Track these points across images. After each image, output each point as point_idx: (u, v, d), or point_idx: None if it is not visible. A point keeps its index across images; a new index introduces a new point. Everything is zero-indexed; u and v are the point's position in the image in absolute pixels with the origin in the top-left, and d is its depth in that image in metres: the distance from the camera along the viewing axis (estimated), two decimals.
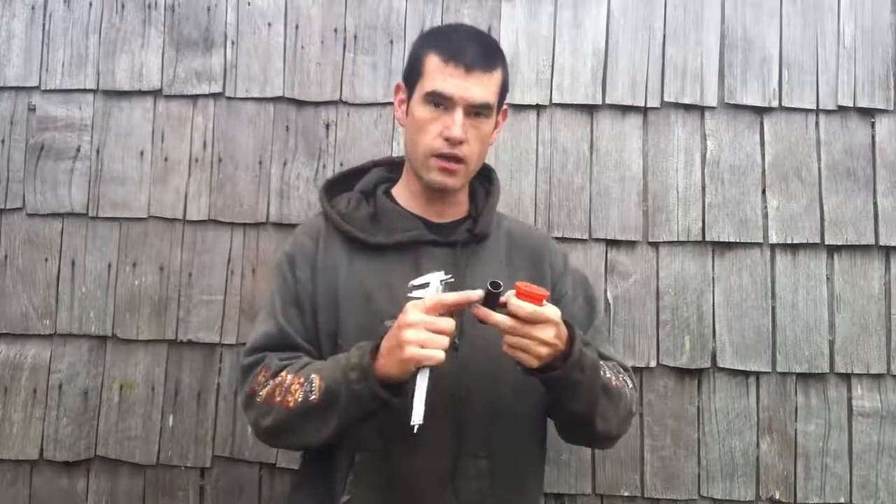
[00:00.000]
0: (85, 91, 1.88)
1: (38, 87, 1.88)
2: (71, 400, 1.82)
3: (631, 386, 1.38)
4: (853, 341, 1.81)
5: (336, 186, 1.47)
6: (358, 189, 1.44)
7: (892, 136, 1.86)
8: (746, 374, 1.81)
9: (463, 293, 1.16)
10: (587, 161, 1.86)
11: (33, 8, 1.90)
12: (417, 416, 1.13)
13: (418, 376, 1.15)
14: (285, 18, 1.89)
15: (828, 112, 1.86)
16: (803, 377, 1.81)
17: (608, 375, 1.30)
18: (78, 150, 1.87)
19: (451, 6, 1.89)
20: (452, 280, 1.22)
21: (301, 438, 1.29)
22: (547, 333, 1.16)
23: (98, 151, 1.87)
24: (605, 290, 1.83)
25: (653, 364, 1.81)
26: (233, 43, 1.89)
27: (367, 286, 1.33)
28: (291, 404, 1.24)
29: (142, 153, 1.87)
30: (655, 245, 1.84)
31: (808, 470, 1.79)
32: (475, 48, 1.30)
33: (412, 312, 1.15)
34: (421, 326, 1.14)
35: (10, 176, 1.87)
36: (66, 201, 1.86)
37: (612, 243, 1.84)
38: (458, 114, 1.29)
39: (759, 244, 1.84)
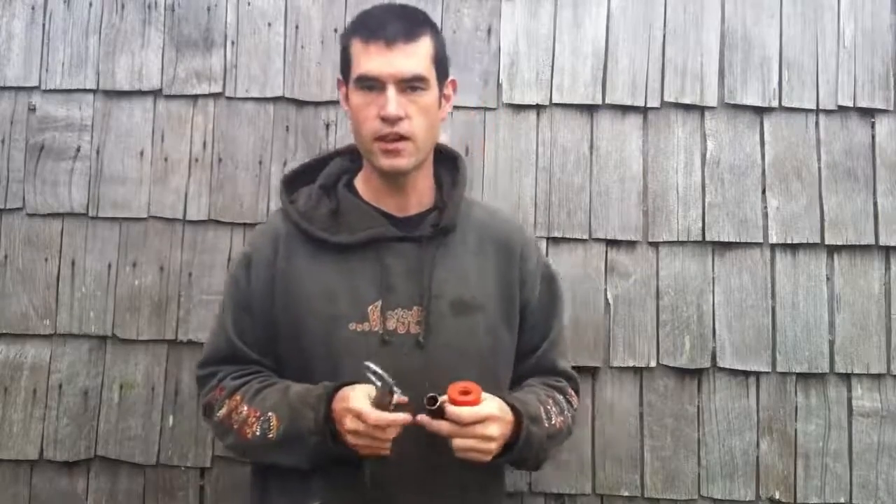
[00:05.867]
0: (85, 91, 1.88)
1: (38, 87, 1.88)
2: (71, 400, 1.82)
3: (575, 406, 1.42)
4: (853, 341, 1.81)
5: (297, 180, 1.43)
6: (319, 184, 1.40)
7: (892, 136, 1.86)
8: (746, 374, 1.81)
9: (387, 417, 1.15)
10: (587, 161, 1.86)
11: (33, 8, 1.90)
12: (367, 480, 1.22)
13: None
14: (285, 18, 1.89)
15: (828, 112, 1.86)
16: (803, 377, 1.81)
17: (553, 422, 1.31)
18: (78, 150, 1.87)
19: (451, 6, 1.89)
20: (389, 378, 1.16)
21: (267, 462, 1.31)
22: (492, 430, 1.17)
23: (98, 151, 1.87)
24: (605, 290, 1.83)
25: (653, 364, 1.81)
26: (233, 43, 1.89)
27: (331, 287, 1.30)
28: (249, 436, 1.26)
29: (142, 153, 1.87)
30: (655, 245, 1.84)
31: (808, 470, 1.79)
32: (395, 21, 1.27)
33: (349, 420, 1.16)
34: (360, 434, 1.16)
35: (10, 176, 1.86)
36: (66, 201, 1.86)
37: (612, 243, 1.84)
38: (390, 91, 1.25)
39: (759, 244, 1.84)
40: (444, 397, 1.17)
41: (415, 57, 1.26)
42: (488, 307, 1.35)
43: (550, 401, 1.34)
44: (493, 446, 1.19)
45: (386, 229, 1.32)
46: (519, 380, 1.40)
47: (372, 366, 1.14)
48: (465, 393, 1.17)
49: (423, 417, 1.17)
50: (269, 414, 1.24)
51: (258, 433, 1.25)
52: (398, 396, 1.15)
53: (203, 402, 1.37)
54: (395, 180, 1.34)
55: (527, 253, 1.42)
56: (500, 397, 1.23)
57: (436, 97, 1.31)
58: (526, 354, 1.41)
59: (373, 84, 1.26)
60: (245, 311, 1.34)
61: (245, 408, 1.27)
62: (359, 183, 1.40)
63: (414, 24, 1.29)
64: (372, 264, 1.31)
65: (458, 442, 1.17)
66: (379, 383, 1.14)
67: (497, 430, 1.18)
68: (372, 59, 1.25)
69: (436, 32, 1.33)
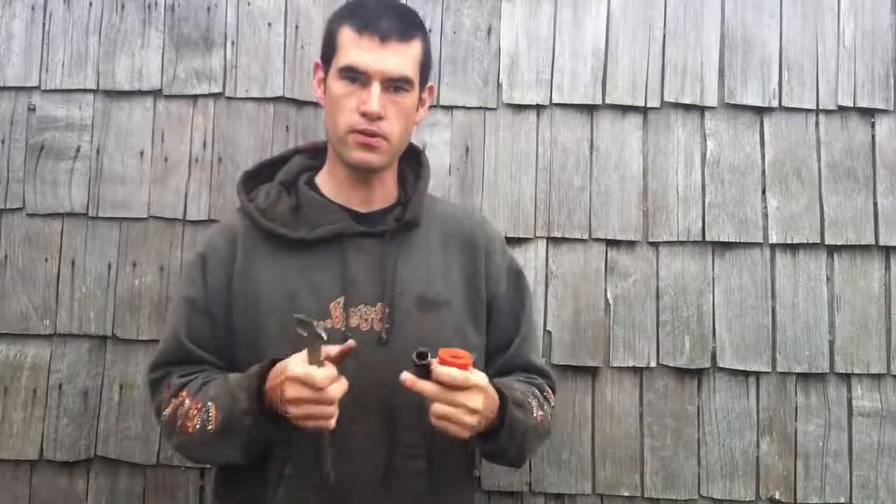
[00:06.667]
0: (85, 91, 1.88)
1: (38, 87, 1.88)
2: (71, 400, 1.82)
3: (552, 403, 1.39)
4: (853, 341, 1.81)
5: (255, 178, 1.40)
6: (278, 180, 1.36)
7: (892, 136, 1.86)
8: (746, 374, 1.81)
9: (333, 372, 1.10)
10: (587, 161, 1.87)
11: (33, 8, 1.90)
12: (330, 471, 1.15)
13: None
14: (285, 18, 1.89)
15: (828, 112, 1.87)
16: (803, 377, 1.81)
17: (535, 415, 1.28)
18: (78, 150, 1.87)
19: (451, 6, 1.89)
20: (330, 329, 1.13)
21: (212, 460, 1.28)
22: (475, 401, 1.13)
23: (98, 151, 1.87)
24: (606, 290, 1.83)
25: (653, 364, 1.81)
26: (233, 43, 1.89)
27: (292, 285, 1.26)
28: (191, 430, 1.21)
29: (142, 153, 1.87)
30: (655, 245, 1.84)
31: (808, 470, 1.79)
32: (391, 18, 1.24)
33: (290, 387, 1.09)
34: (305, 401, 1.09)
35: (10, 176, 1.86)
36: (66, 201, 1.86)
37: (612, 243, 1.84)
38: (375, 87, 1.22)
39: (759, 244, 1.84)
40: (435, 360, 1.13)
41: (405, 57, 1.25)
42: (454, 303, 1.32)
43: (530, 394, 1.32)
44: (474, 420, 1.13)
45: (348, 224, 1.29)
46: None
47: (301, 316, 1.09)
48: (456, 357, 1.13)
49: (406, 376, 1.12)
50: (209, 404, 1.19)
51: (198, 426, 1.19)
52: (327, 347, 1.09)
53: (153, 405, 1.32)
54: (362, 175, 1.31)
55: (492, 248, 1.39)
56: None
57: (415, 101, 1.30)
58: (498, 352, 1.38)
59: (358, 77, 1.24)
60: (201, 313, 1.30)
61: (188, 401, 1.22)
62: (320, 180, 1.36)
63: (409, 24, 1.28)
64: (334, 260, 1.27)
65: (438, 407, 1.11)
66: (305, 333, 1.08)
67: (481, 404, 1.14)
68: (363, 52, 1.23)
69: (426, 36, 1.32)
